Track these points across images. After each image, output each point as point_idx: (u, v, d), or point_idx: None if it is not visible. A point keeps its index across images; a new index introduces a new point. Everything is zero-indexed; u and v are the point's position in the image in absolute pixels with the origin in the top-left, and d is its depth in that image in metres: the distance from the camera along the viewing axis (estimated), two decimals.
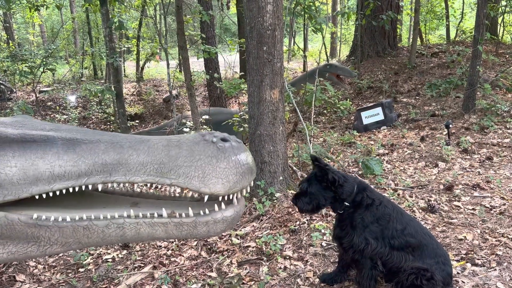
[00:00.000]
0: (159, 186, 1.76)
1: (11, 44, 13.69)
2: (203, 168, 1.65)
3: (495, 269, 2.72)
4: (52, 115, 11.22)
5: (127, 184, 1.88)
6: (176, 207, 1.88)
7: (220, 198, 1.80)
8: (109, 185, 2.07)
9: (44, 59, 9.49)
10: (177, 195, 2.02)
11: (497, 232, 3.19)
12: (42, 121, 2.00)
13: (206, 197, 1.75)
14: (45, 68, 9.57)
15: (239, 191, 1.73)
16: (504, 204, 3.70)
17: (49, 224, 1.77)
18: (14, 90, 12.30)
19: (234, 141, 1.74)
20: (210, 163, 1.66)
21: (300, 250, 3.20)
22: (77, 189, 1.72)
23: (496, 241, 3.06)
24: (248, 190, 1.80)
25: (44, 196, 1.73)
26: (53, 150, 1.72)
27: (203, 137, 1.74)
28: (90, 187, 1.73)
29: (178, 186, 1.69)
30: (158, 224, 1.78)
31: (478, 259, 2.84)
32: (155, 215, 1.79)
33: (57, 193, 1.73)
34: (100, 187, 1.75)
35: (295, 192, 4.09)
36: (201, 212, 1.78)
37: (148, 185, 1.88)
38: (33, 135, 1.75)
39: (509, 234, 3.13)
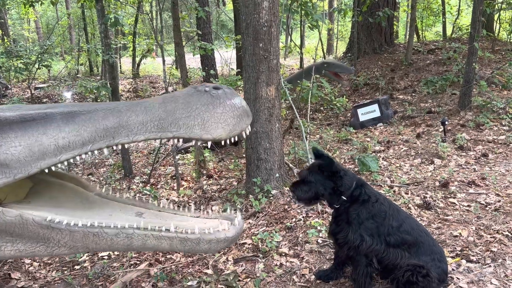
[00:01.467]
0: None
1: (6, 40, 13.60)
2: (202, 116, 1.71)
3: (490, 266, 2.74)
4: None
5: (131, 194, 1.92)
6: (180, 222, 1.96)
7: (221, 222, 1.91)
8: (111, 192, 2.17)
9: (39, 56, 9.44)
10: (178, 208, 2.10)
11: (492, 229, 3.20)
12: (36, 104, 2.03)
13: (209, 143, 1.84)
14: (41, 64, 9.52)
15: (238, 134, 1.79)
16: (499, 201, 3.71)
17: (61, 227, 1.83)
18: (9, 87, 12.22)
19: (226, 88, 1.80)
20: (207, 110, 1.71)
21: (296, 247, 3.20)
22: (83, 156, 1.79)
23: (491, 237, 3.08)
24: (247, 133, 1.85)
25: (53, 168, 1.78)
26: (54, 125, 1.77)
27: (196, 88, 1.79)
28: (96, 152, 1.79)
29: (180, 137, 1.74)
30: (164, 237, 1.87)
31: (473, 256, 2.86)
32: (163, 229, 1.87)
33: (65, 163, 1.79)
34: (106, 151, 1.82)
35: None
36: (206, 231, 1.87)
37: (151, 199, 1.94)
38: (32, 114, 1.80)
39: (504, 231, 3.14)
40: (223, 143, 1.82)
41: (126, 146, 1.80)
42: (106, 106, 1.81)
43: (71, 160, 1.78)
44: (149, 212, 2.07)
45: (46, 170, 1.78)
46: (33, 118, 1.78)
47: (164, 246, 1.89)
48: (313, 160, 2.63)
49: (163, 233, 1.86)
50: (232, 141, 1.81)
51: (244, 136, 1.84)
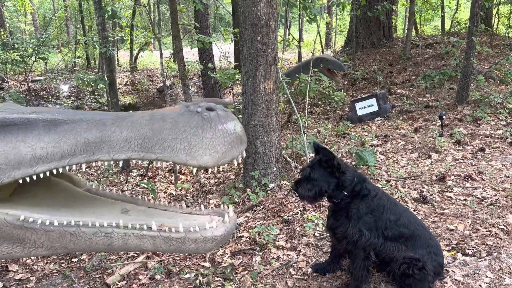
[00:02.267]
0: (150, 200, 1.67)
1: (2, 33, 13.50)
2: (189, 140, 1.58)
3: (485, 259, 2.76)
4: (44, 105, 11.13)
5: (128, 187, 1.83)
6: (167, 219, 1.83)
7: (212, 219, 1.77)
8: (100, 188, 2.06)
9: (36, 48, 9.38)
10: (167, 204, 1.98)
11: (488, 223, 3.22)
12: (25, 106, 1.94)
13: (194, 170, 1.69)
14: (37, 57, 9.47)
15: (229, 162, 1.66)
16: (495, 195, 3.73)
17: (35, 227, 1.73)
18: (6, 79, 12.17)
19: (221, 110, 1.66)
20: (195, 134, 1.58)
21: (293, 240, 3.21)
22: (61, 170, 1.67)
23: (486, 231, 3.10)
24: (239, 161, 1.72)
25: (28, 179, 1.68)
26: (34, 132, 1.67)
27: (188, 108, 1.66)
28: (74, 167, 1.68)
29: (163, 160, 1.62)
30: (146, 236, 1.75)
31: (468, 249, 2.88)
32: (145, 227, 1.75)
33: (41, 175, 1.68)
34: (84, 167, 1.71)
35: (290, 182, 4.12)
36: (191, 229, 1.73)
37: (144, 196, 1.81)
38: (14, 118, 1.70)
39: (499, 225, 3.16)
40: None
41: (106, 163, 1.73)
42: (92, 117, 1.70)
43: (47, 173, 1.68)
44: (136, 208, 1.94)
45: (20, 181, 1.68)
46: (15, 123, 1.68)
47: (147, 246, 1.77)
48: (312, 155, 2.60)
49: (145, 231, 1.73)
50: (221, 169, 1.73)
51: (236, 164, 1.70)
